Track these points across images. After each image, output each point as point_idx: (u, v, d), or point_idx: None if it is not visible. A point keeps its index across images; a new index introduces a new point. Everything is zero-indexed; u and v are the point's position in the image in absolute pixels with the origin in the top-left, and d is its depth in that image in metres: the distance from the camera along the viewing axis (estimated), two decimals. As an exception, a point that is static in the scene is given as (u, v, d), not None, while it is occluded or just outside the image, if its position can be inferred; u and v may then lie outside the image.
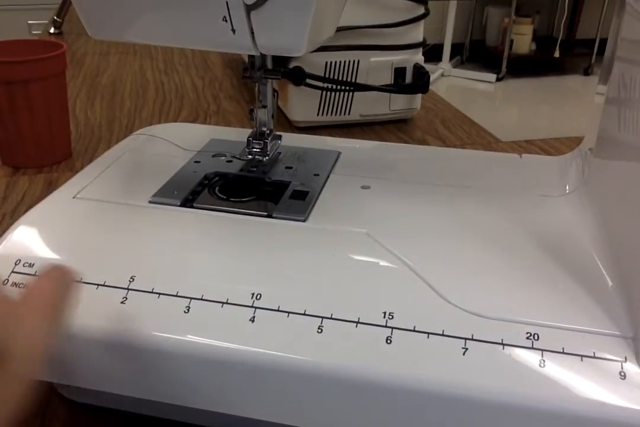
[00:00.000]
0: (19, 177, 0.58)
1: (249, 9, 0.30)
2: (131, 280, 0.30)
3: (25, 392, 0.22)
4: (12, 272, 0.31)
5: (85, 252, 0.32)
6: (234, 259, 0.32)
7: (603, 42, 2.99)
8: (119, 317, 0.29)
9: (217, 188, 0.38)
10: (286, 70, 0.39)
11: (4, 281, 0.30)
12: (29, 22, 2.32)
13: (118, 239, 0.33)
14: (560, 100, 2.99)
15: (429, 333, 0.27)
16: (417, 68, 0.65)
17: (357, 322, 0.27)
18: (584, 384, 0.25)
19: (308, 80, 0.60)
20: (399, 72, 0.65)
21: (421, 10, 0.64)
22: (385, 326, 0.27)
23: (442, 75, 3.21)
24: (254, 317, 0.28)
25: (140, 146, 0.45)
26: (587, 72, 3.32)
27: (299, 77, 0.46)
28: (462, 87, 3.15)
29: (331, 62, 0.63)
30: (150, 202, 0.36)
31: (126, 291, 0.29)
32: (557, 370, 0.25)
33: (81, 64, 0.92)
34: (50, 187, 0.56)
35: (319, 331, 0.27)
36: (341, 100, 0.66)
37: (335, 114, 0.67)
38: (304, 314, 0.28)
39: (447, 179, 0.40)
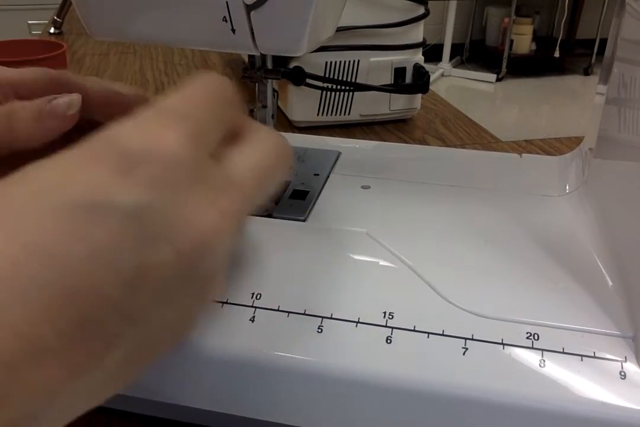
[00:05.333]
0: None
1: (249, 9, 0.30)
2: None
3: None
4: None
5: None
6: (234, 258, 0.32)
7: (603, 42, 2.99)
8: None
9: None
10: (286, 70, 0.39)
11: None
12: (29, 22, 2.32)
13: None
14: (560, 100, 2.99)
15: (429, 333, 0.27)
16: (417, 68, 0.65)
17: (357, 322, 0.27)
18: (584, 384, 0.25)
19: (308, 80, 0.60)
20: (399, 72, 0.65)
21: (421, 10, 0.64)
22: (385, 326, 0.27)
23: (442, 75, 3.21)
24: (253, 317, 0.28)
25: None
26: (587, 72, 3.32)
27: (299, 77, 0.46)
28: (462, 87, 3.15)
29: (331, 62, 0.63)
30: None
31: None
32: (557, 370, 0.25)
33: (81, 64, 0.92)
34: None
35: (319, 330, 0.27)
36: (341, 100, 0.66)
37: (335, 114, 0.67)
38: (304, 314, 0.28)
39: (447, 178, 0.40)
